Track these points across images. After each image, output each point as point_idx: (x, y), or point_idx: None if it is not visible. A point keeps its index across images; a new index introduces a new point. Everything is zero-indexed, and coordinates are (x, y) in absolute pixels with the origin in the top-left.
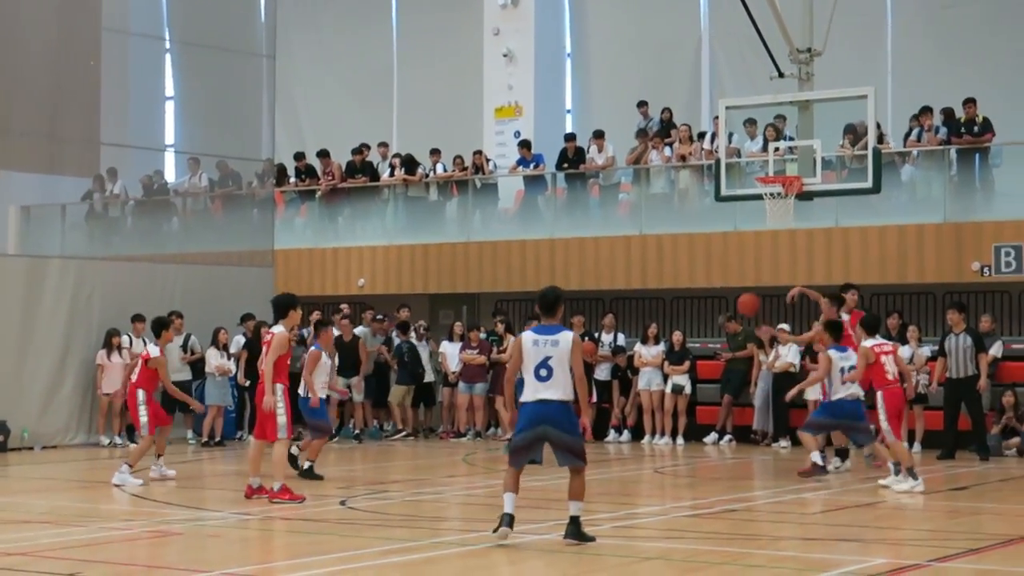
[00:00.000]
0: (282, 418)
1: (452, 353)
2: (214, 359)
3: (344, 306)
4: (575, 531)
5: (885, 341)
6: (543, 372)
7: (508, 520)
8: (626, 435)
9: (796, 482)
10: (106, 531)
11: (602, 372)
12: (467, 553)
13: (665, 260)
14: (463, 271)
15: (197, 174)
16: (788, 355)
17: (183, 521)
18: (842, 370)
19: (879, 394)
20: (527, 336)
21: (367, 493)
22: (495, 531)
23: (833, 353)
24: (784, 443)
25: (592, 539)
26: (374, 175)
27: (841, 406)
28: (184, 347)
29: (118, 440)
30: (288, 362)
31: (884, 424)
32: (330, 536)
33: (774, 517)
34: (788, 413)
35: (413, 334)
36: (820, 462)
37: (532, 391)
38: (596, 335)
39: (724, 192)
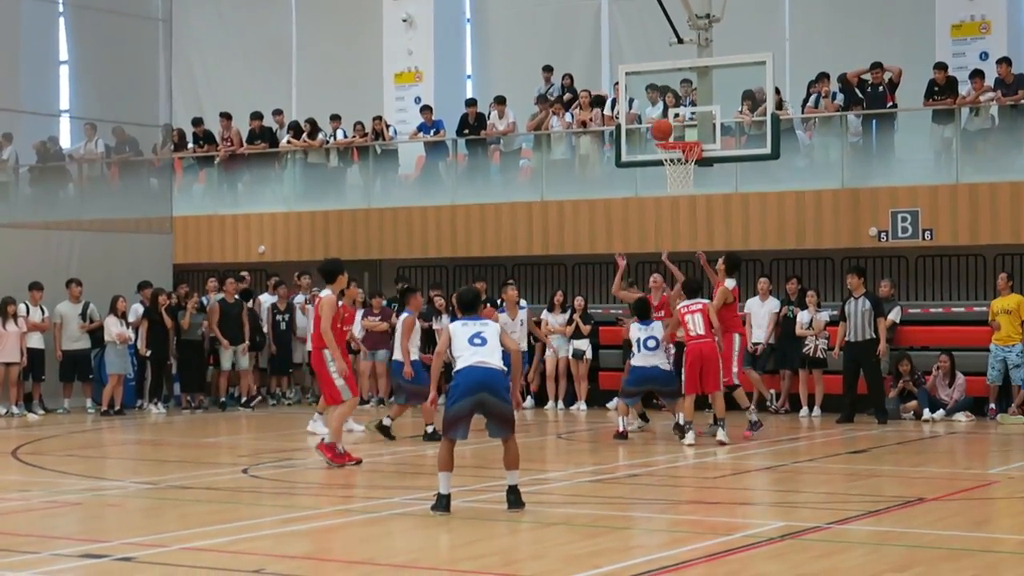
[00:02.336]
0: (340, 380)
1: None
2: (114, 327)
3: (245, 274)
4: (517, 499)
5: (696, 301)
6: (477, 340)
7: (445, 503)
8: (529, 401)
9: (700, 446)
10: (3, 502)
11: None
12: (370, 521)
13: (566, 226)
14: (364, 238)
15: (93, 140)
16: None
17: (81, 491)
18: (640, 340)
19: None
20: (455, 325)
21: (271, 461)
22: (433, 509)
23: (635, 326)
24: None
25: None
26: (273, 141)
27: (642, 371)
28: (83, 315)
29: (15, 410)
30: (340, 325)
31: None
32: (232, 505)
33: (675, 482)
34: None
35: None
36: (621, 428)
37: (468, 356)
38: (499, 301)
39: (625, 158)
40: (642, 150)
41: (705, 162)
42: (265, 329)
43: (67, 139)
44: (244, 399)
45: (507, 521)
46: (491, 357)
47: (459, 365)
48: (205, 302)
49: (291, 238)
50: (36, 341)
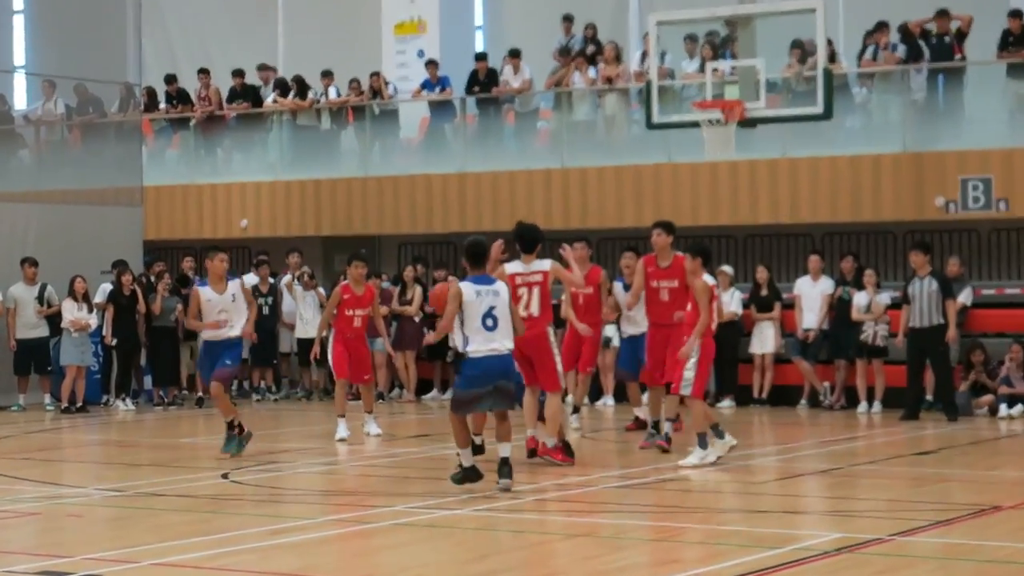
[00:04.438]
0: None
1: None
2: (69, 312)
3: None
4: (508, 471)
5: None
6: (489, 322)
7: (474, 472)
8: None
9: (744, 447)
10: None
11: None
12: (367, 532)
13: (590, 197)
14: (360, 210)
15: (52, 99)
16: (730, 303)
17: (38, 499)
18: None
19: None
20: (467, 287)
21: (253, 465)
22: (459, 482)
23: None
24: (728, 402)
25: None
26: (257, 100)
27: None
28: (40, 299)
29: None
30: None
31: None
32: (211, 515)
33: (715, 487)
34: (735, 369)
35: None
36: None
37: (483, 341)
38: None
39: (656, 119)
40: (676, 110)
41: (748, 123)
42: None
43: (21, 99)
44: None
45: (521, 532)
46: (504, 341)
47: (472, 349)
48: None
49: (277, 211)
50: None
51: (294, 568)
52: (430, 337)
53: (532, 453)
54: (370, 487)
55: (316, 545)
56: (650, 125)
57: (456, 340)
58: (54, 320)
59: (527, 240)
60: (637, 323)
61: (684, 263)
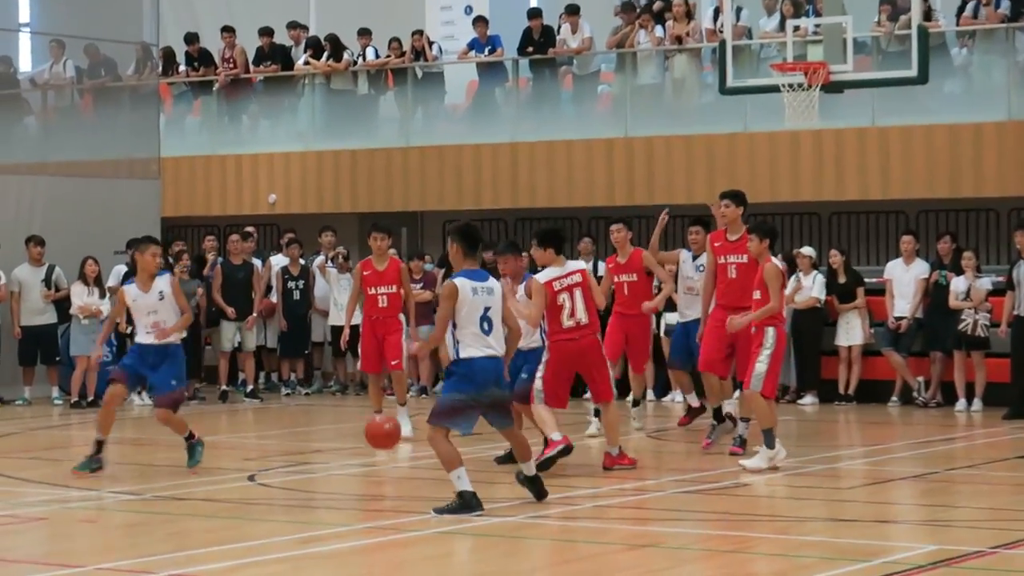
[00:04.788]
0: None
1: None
2: (79, 297)
3: (251, 229)
4: (540, 490)
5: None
6: (485, 325)
7: (475, 499)
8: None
9: (824, 450)
10: None
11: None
12: (406, 542)
13: (657, 169)
14: (401, 184)
15: (60, 61)
16: (812, 287)
17: (46, 503)
18: None
19: None
20: (463, 283)
21: (282, 467)
22: (456, 512)
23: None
24: (810, 399)
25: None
26: (287, 62)
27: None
28: (47, 282)
29: None
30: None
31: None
32: (236, 521)
33: (796, 492)
34: (818, 362)
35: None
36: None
37: (480, 345)
38: None
39: (731, 83)
40: (753, 72)
41: (833, 87)
42: (275, 299)
43: (27, 60)
44: (251, 388)
45: (577, 543)
46: (498, 344)
47: (465, 350)
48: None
49: (309, 185)
50: None
51: None
52: (415, 347)
53: (546, 464)
54: (411, 491)
55: (351, 555)
56: (724, 90)
57: (445, 347)
58: (62, 306)
59: (557, 239)
60: (696, 307)
61: (749, 243)
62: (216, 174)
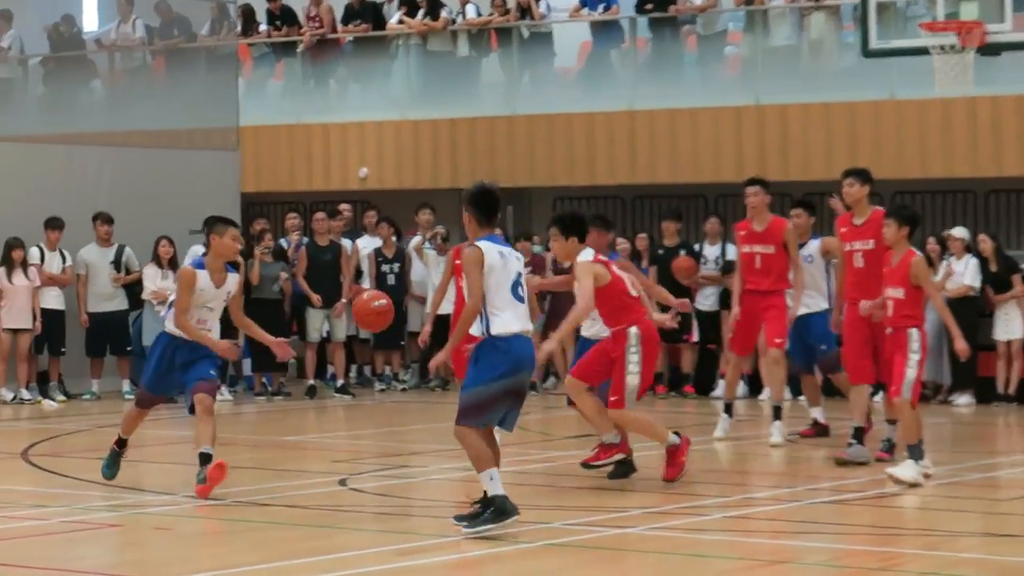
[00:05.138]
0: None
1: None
2: (152, 281)
3: (345, 207)
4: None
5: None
6: (519, 291)
7: (509, 505)
8: (741, 388)
9: (981, 456)
10: (10, 522)
11: (706, 299)
12: (514, 554)
13: (791, 141)
14: (506, 157)
15: (129, 20)
16: (965, 272)
17: (117, 508)
18: None
19: None
20: (489, 247)
21: (376, 469)
22: (493, 518)
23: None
24: (966, 399)
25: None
26: (379, 21)
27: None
28: (116, 264)
29: (26, 395)
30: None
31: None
32: (325, 529)
33: (950, 504)
34: (974, 357)
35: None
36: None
37: (513, 316)
38: (697, 247)
39: (875, 44)
40: (899, 33)
41: (990, 49)
42: (367, 284)
43: (92, 19)
44: (341, 383)
45: (706, 557)
46: (529, 320)
47: (499, 323)
48: (285, 246)
49: (404, 157)
50: (54, 300)
51: None
52: (426, 333)
53: (623, 466)
54: (519, 498)
55: (452, 569)
56: (866, 52)
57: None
58: (133, 290)
59: (582, 227)
60: (811, 300)
61: (883, 226)
62: (301, 145)
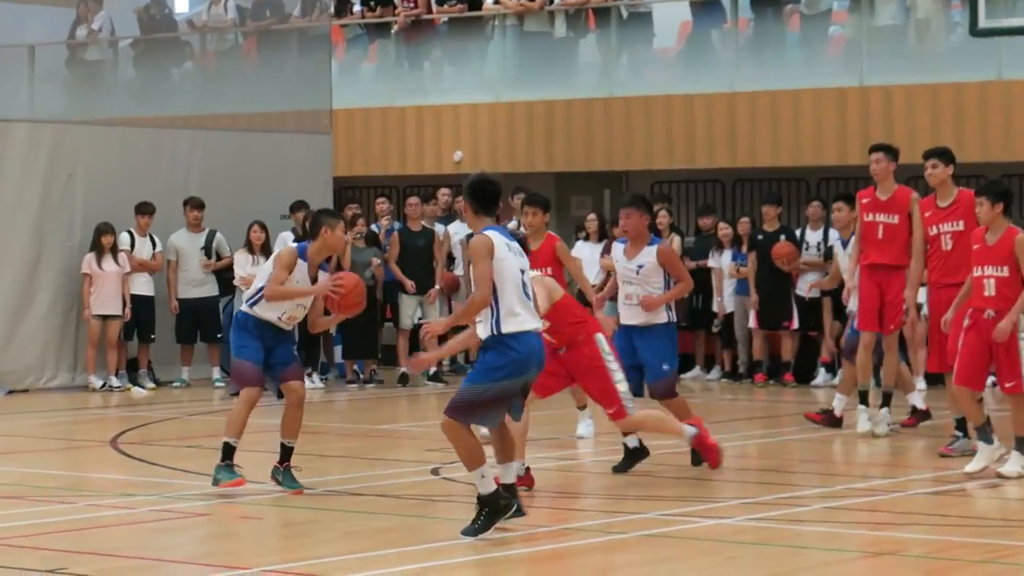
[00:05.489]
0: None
1: (589, 258)
2: (243, 267)
3: (444, 191)
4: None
5: None
6: (528, 290)
7: (514, 504)
8: (823, 375)
9: None
10: (99, 510)
11: (806, 286)
12: (609, 545)
13: (897, 123)
14: (603, 140)
15: (220, 2)
16: None
17: (206, 497)
18: None
19: None
20: (498, 237)
21: None
22: (483, 522)
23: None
24: None
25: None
26: (475, 1)
27: None
28: (207, 250)
29: (115, 382)
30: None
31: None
32: (417, 520)
33: None
34: None
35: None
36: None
37: (524, 314)
38: (798, 232)
39: (983, 23)
40: (1009, 11)
41: None
42: (459, 271)
43: (183, 1)
44: (434, 370)
45: (806, 548)
46: (537, 317)
47: (510, 320)
48: (376, 231)
49: (499, 140)
50: (143, 286)
51: None
52: (435, 329)
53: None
54: (615, 489)
55: (547, 560)
56: (975, 31)
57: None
58: (224, 276)
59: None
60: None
61: (974, 205)
62: (394, 128)
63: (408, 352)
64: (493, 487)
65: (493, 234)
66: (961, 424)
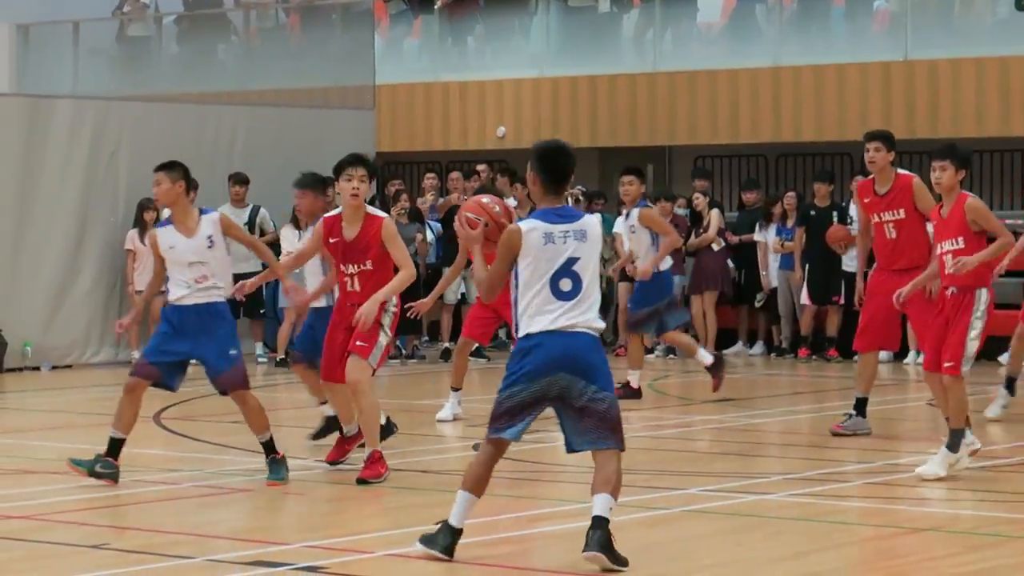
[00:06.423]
0: None
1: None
2: (289, 243)
3: (482, 167)
4: (603, 540)
5: None
6: (565, 283)
7: (447, 539)
8: (886, 353)
9: None
10: (142, 486)
11: (855, 263)
12: (651, 521)
13: (942, 97)
14: (647, 115)
15: None
16: None
17: (249, 473)
18: None
19: None
20: (534, 226)
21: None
22: (424, 543)
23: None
24: None
25: (624, 564)
26: None
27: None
28: (250, 224)
29: None
30: None
31: None
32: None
33: None
34: None
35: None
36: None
37: (548, 314)
38: (844, 206)
39: None
40: None
41: None
42: None
43: None
44: (476, 345)
45: (850, 524)
46: (584, 315)
47: (528, 323)
48: (421, 206)
49: (543, 115)
50: None
51: (559, 564)
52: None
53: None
54: (657, 464)
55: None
56: (1021, 5)
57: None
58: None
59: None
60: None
61: (912, 190)
62: (438, 104)
63: (451, 328)
64: (453, 518)
65: (527, 225)
66: (859, 403)
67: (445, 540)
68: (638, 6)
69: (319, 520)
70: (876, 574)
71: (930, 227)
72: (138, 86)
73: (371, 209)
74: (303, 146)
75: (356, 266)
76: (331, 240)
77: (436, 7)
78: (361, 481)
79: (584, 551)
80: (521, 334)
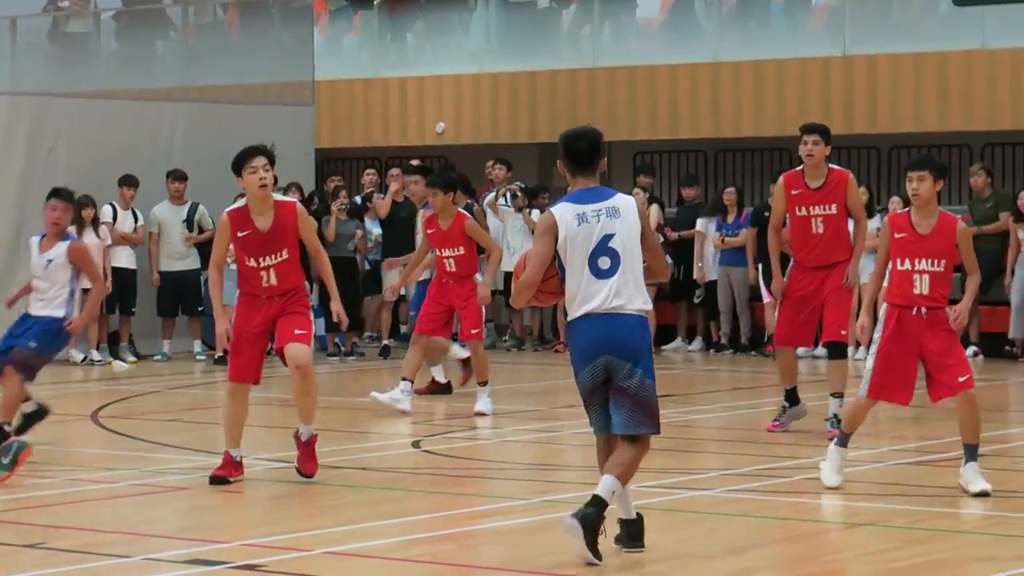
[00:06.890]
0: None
1: None
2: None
3: (416, 162)
4: (591, 518)
5: None
6: (604, 261)
7: (593, 516)
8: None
9: None
10: (80, 485)
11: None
12: None
13: (880, 93)
14: (587, 110)
15: None
16: None
17: (187, 471)
18: None
19: None
20: (565, 210)
21: (450, 431)
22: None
23: None
24: None
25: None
26: None
27: None
28: (188, 222)
29: (96, 355)
30: None
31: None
32: (399, 493)
33: None
34: None
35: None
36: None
37: (589, 296)
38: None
39: None
40: None
41: None
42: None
43: None
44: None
45: (788, 520)
46: (627, 294)
47: (576, 307)
48: (359, 202)
49: (482, 111)
50: (125, 259)
51: (502, 561)
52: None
53: None
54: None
55: (528, 533)
56: (959, 0)
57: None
58: (206, 249)
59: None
60: None
61: (846, 186)
62: (377, 100)
63: (390, 325)
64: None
65: (558, 210)
66: (791, 395)
67: (593, 516)
68: (577, 2)
69: (258, 518)
70: (814, 569)
71: (851, 224)
72: (76, 82)
73: (277, 196)
74: (242, 142)
75: (272, 257)
76: (240, 234)
77: (376, 3)
78: (216, 479)
79: (620, 547)
80: (570, 318)
